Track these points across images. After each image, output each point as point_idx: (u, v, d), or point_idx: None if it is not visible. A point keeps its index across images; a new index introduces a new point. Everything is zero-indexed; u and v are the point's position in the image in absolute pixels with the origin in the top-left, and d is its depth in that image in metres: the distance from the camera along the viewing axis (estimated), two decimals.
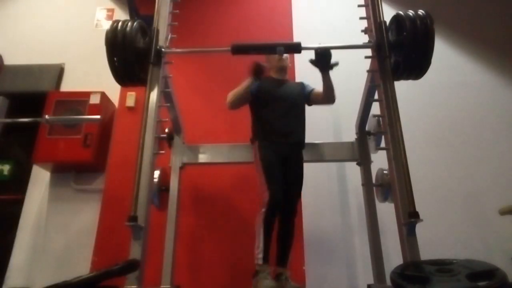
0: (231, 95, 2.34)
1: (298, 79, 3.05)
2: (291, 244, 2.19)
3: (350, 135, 2.73)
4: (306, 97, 2.45)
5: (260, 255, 2.05)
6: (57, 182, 3.22)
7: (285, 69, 2.48)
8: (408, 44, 1.91)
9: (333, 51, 2.17)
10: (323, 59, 2.10)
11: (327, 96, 2.32)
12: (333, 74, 2.19)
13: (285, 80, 2.48)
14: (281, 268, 2.13)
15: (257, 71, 2.23)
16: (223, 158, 2.68)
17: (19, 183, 3.27)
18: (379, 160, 2.36)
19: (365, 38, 2.16)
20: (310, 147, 2.64)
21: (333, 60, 2.12)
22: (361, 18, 2.18)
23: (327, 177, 3.15)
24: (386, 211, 2.38)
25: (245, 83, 2.30)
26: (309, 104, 2.49)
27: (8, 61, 3.63)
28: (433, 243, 2.37)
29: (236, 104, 2.34)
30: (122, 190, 2.59)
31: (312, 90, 2.45)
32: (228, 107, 2.35)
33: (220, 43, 2.24)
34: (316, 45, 2.10)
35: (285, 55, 2.43)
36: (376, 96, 2.11)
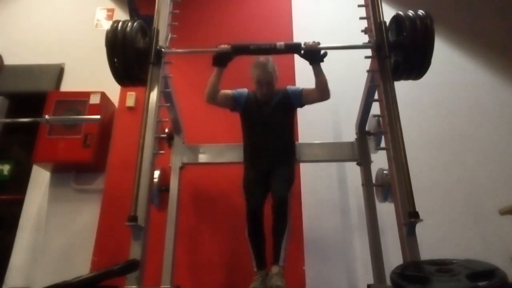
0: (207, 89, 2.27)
1: (297, 79, 3.06)
2: (282, 240, 2.06)
3: (350, 135, 2.73)
4: (297, 101, 2.33)
5: (254, 264, 2.17)
6: (57, 182, 3.22)
7: (270, 84, 2.30)
8: (408, 44, 1.91)
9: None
10: (312, 52, 2.11)
11: (321, 91, 2.21)
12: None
13: (269, 97, 2.32)
14: (273, 265, 2.06)
15: (219, 60, 2.18)
16: (223, 158, 2.67)
17: (19, 183, 3.27)
18: (379, 160, 2.36)
19: (365, 38, 2.16)
20: (310, 147, 2.64)
21: (321, 52, 2.12)
22: (361, 18, 2.18)
23: (327, 177, 3.15)
24: (386, 211, 2.38)
25: (214, 73, 2.23)
26: (302, 105, 2.38)
27: (8, 61, 3.63)
28: (433, 243, 2.37)
29: (210, 97, 2.25)
30: (122, 190, 2.59)
31: (302, 90, 2.33)
32: (206, 100, 2.27)
33: (220, 43, 2.24)
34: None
35: (269, 68, 2.27)
36: (376, 96, 2.11)
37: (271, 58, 2.30)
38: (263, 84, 2.28)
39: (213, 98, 2.27)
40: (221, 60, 2.18)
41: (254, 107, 2.36)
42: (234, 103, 2.37)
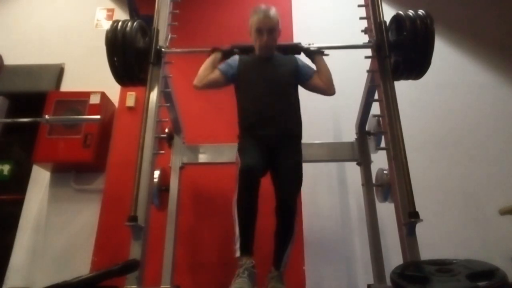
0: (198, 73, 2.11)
1: None
2: (287, 245, 1.89)
3: (350, 135, 2.73)
4: (305, 78, 2.13)
5: (237, 246, 1.72)
6: (57, 182, 3.22)
7: (272, 31, 2.03)
8: (408, 44, 1.92)
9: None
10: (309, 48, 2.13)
11: (325, 83, 2.11)
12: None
13: (271, 56, 2.10)
14: (273, 270, 1.91)
15: (224, 51, 2.15)
16: (223, 158, 2.67)
17: (19, 183, 3.27)
18: (379, 160, 2.36)
19: (365, 38, 2.16)
20: (310, 147, 2.63)
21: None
22: (361, 18, 2.18)
23: (327, 177, 3.15)
24: (386, 211, 2.38)
25: (210, 58, 2.15)
26: (304, 87, 2.17)
27: (8, 61, 3.63)
28: (433, 243, 2.38)
29: (202, 81, 2.08)
30: (122, 190, 2.59)
31: (314, 72, 2.14)
32: (194, 84, 2.10)
33: (220, 43, 2.24)
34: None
35: (271, 14, 2.02)
36: (376, 96, 2.12)
37: (273, 7, 2.05)
38: (263, 31, 2.00)
39: (202, 81, 2.09)
40: (224, 53, 2.17)
41: (252, 65, 2.11)
42: (224, 77, 2.12)
